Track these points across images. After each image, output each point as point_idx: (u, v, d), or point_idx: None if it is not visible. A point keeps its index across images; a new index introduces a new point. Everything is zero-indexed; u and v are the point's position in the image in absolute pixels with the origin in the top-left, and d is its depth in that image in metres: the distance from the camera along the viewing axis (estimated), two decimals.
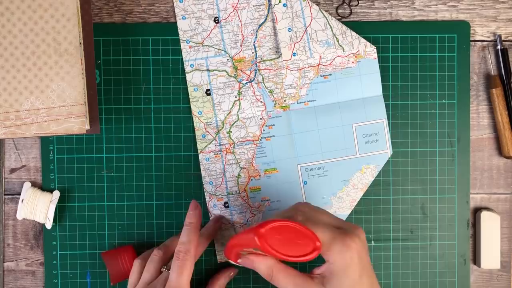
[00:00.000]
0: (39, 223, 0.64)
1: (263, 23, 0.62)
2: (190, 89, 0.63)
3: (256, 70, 0.63)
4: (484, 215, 0.64)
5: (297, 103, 0.63)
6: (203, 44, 0.62)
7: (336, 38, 0.62)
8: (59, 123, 0.56)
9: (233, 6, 0.62)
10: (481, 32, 0.65)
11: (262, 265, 0.52)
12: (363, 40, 0.62)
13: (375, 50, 0.63)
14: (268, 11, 0.62)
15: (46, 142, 0.64)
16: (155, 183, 0.64)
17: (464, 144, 0.65)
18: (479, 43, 0.65)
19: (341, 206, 0.63)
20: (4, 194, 0.64)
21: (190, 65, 0.62)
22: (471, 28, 0.65)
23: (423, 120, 0.64)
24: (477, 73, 0.65)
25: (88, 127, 0.58)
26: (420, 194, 0.64)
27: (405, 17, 0.65)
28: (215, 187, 0.63)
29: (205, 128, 0.63)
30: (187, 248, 0.56)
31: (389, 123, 0.64)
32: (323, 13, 0.62)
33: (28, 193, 0.63)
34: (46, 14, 0.55)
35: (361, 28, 0.64)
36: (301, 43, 0.62)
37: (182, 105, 0.64)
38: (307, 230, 0.49)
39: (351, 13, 0.65)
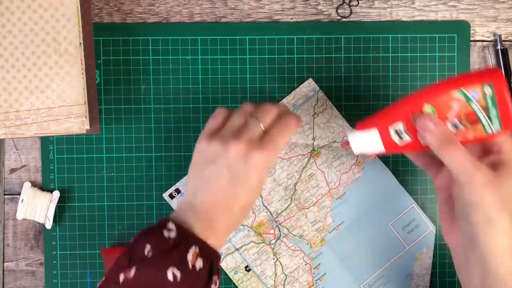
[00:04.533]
0: (39, 223, 0.64)
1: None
2: (230, 274, 0.63)
3: (278, 225, 0.63)
4: None
5: (329, 232, 0.64)
6: None
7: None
8: (59, 123, 0.56)
9: None
10: (481, 32, 0.65)
11: (441, 129, 0.50)
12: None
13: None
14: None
15: (46, 142, 0.64)
16: (155, 183, 0.64)
17: None
18: (479, 43, 0.65)
19: None
20: (4, 194, 0.64)
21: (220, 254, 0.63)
22: (471, 28, 0.65)
23: None
24: None
25: (88, 127, 0.58)
26: (420, 194, 0.64)
27: (405, 17, 0.65)
28: None
29: None
30: (297, 120, 0.56)
31: None
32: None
33: (28, 193, 0.63)
34: (46, 14, 0.55)
35: (361, 28, 0.64)
36: (303, 183, 0.63)
37: (182, 105, 0.64)
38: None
39: (351, 13, 0.65)
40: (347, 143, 0.56)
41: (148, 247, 0.49)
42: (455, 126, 0.51)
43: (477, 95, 0.49)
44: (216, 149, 0.54)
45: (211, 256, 0.51)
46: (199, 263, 0.50)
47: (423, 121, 0.51)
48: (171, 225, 0.51)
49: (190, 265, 0.49)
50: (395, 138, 0.53)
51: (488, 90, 0.49)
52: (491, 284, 0.49)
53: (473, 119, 0.50)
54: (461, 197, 0.50)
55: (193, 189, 0.55)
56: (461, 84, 0.49)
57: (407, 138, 0.52)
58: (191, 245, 0.50)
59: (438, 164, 0.55)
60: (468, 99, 0.49)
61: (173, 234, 0.50)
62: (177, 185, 0.63)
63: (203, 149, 0.55)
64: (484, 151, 0.53)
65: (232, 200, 0.54)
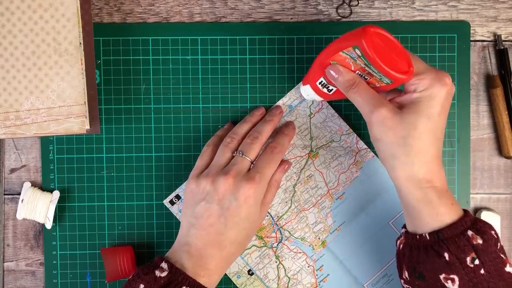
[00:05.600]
0: (39, 223, 0.64)
1: None
2: (233, 279, 0.63)
3: (279, 228, 0.64)
4: (484, 215, 0.64)
5: (330, 233, 0.64)
6: None
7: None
8: (59, 123, 0.56)
9: None
10: (481, 32, 0.65)
11: (347, 75, 0.53)
12: (354, 147, 0.63)
13: (369, 149, 0.63)
14: None
15: (46, 142, 0.64)
16: (155, 183, 0.64)
17: (464, 144, 0.65)
18: (479, 43, 0.65)
19: None
20: (4, 194, 0.64)
21: None
22: (471, 28, 0.64)
23: None
24: (477, 73, 0.65)
25: (88, 127, 0.58)
26: None
27: (405, 17, 0.65)
28: None
29: None
30: (281, 150, 0.60)
31: None
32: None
33: (28, 193, 0.63)
34: (46, 14, 0.55)
35: None
36: (302, 185, 0.64)
37: (182, 105, 0.64)
38: (405, 51, 0.52)
39: (351, 13, 0.65)
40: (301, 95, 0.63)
41: (142, 286, 0.51)
42: (362, 77, 0.54)
43: (354, 55, 0.51)
44: (205, 187, 0.56)
45: None
46: None
47: (329, 71, 0.55)
48: (163, 265, 0.53)
49: None
50: (324, 90, 0.58)
51: (358, 51, 0.51)
52: (406, 209, 0.53)
53: (368, 73, 0.52)
54: (370, 134, 0.53)
55: (186, 227, 0.57)
56: (340, 47, 0.52)
57: (332, 88, 0.57)
58: (181, 285, 0.52)
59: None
60: (352, 58, 0.52)
61: (164, 274, 0.52)
62: (177, 191, 0.63)
63: (192, 189, 0.57)
64: (404, 93, 0.55)
65: (222, 235, 0.55)
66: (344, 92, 0.54)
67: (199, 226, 0.55)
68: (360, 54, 0.50)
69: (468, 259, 0.49)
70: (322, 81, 0.57)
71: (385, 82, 0.52)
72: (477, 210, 0.65)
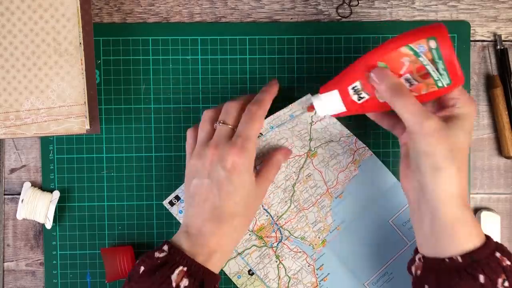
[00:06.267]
0: (39, 223, 0.64)
1: None
2: (233, 279, 0.63)
3: (279, 228, 0.63)
4: (484, 215, 0.64)
5: (330, 232, 0.64)
6: None
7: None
8: (59, 123, 0.56)
9: None
10: (481, 32, 0.65)
11: (392, 79, 0.52)
12: (352, 146, 0.63)
13: (367, 147, 0.63)
14: None
15: (46, 142, 0.64)
16: (155, 183, 0.64)
17: None
18: (479, 43, 0.65)
19: None
20: (4, 194, 0.64)
21: None
22: (471, 28, 0.64)
23: None
24: (477, 73, 0.65)
25: (88, 127, 0.58)
26: None
27: (405, 17, 0.65)
28: None
29: None
30: (260, 105, 0.56)
31: None
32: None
33: (28, 193, 0.63)
34: (46, 14, 0.55)
35: (361, 28, 0.64)
36: (301, 184, 0.64)
37: (182, 105, 0.64)
38: (457, 63, 0.51)
39: (351, 13, 0.65)
40: (312, 107, 0.59)
41: (142, 267, 0.52)
42: (409, 82, 0.53)
43: (424, 49, 0.50)
44: (194, 164, 0.56)
45: (200, 276, 0.52)
46: (184, 283, 0.51)
47: (375, 74, 0.52)
48: (165, 246, 0.53)
49: (174, 284, 0.51)
50: (354, 97, 0.55)
51: (433, 44, 0.50)
52: (439, 229, 0.51)
53: (424, 74, 0.52)
54: (412, 146, 0.52)
55: (186, 208, 0.57)
56: (408, 40, 0.51)
57: (365, 96, 0.54)
58: (178, 265, 0.52)
59: (402, 123, 0.56)
60: (416, 54, 0.51)
61: (162, 254, 0.52)
62: (177, 191, 0.63)
63: (187, 170, 0.58)
64: (440, 107, 0.54)
65: (218, 208, 0.55)
66: (388, 98, 0.52)
67: (195, 204, 0.55)
68: (434, 47, 0.50)
69: (500, 280, 0.48)
70: (356, 86, 0.54)
71: (439, 85, 0.52)
72: (477, 210, 0.65)
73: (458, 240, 0.50)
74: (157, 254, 0.52)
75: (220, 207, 0.54)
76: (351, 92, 0.55)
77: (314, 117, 0.62)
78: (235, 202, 0.55)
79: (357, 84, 0.54)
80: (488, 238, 0.51)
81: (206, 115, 0.58)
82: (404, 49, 0.51)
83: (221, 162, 0.54)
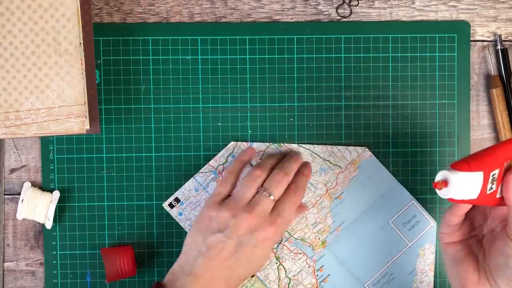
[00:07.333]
0: (39, 223, 0.64)
1: None
2: None
3: None
4: None
5: (330, 233, 0.64)
6: None
7: (328, 161, 0.63)
8: (59, 123, 0.56)
9: None
10: (481, 32, 0.65)
11: None
12: (351, 148, 0.63)
13: (367, 149, 0.63)
14: None
15: (46, 142, 0.64)
16: (155, 183, 0.64)
17: (464, 144, 0.65)
18: (479, 43, 0.65)
19: None
20: (4, 194, 0.64)
21: None
22: (471, 28, 0.65)
23: (423, 120, 0.64)
24: (477, 73, 0.65)
25: (88, 127, 0.58)
26: (420, 194, 0.64)
27: (405, 17, 0.65)
28: None
29: None
30: (303, 192, 0.58)
31: (389, 123, 0.64)
32: (303, 147, 0.63)
33: (28, 193, 0.63)
34: (46, 14, 0.55)
35: (361, 28, 0.64)
36: None
37: (182, 105, 0.64)
38: None
39: (351, 13, 0.65)
40: (445, 183, 0.45)
41: None
42: None
43: None
44: (225, 219, 0.55)
45: None
46: None
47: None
48: None
49: None
50: (489, 185, 0.44)
51: None
52: None
53: None
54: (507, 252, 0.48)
55: (193, 254, 0.55)
56: None
57: (493, 187, 0.45)
58: None
59: (482, 216, 0.53)
60: None
61: None
62: (177, 194, 0.63)
63: (212, 216, 0.56)
64: None
65: (232, 271, 0.55)
66: None
67: (209, 257, 0.54)
68: None
69: None
70: (494, 174, 0.44)
71: None
72: None
73: None
74: None
75: (234, 271, 0.55)
76: (490, 179, 0.44)
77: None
78: (248, 270, 0.56)
79: (496, 172, 0.44)
80: None
81: (254, 174, 0.58)
82: None
83: (256, 232, 0.55)
